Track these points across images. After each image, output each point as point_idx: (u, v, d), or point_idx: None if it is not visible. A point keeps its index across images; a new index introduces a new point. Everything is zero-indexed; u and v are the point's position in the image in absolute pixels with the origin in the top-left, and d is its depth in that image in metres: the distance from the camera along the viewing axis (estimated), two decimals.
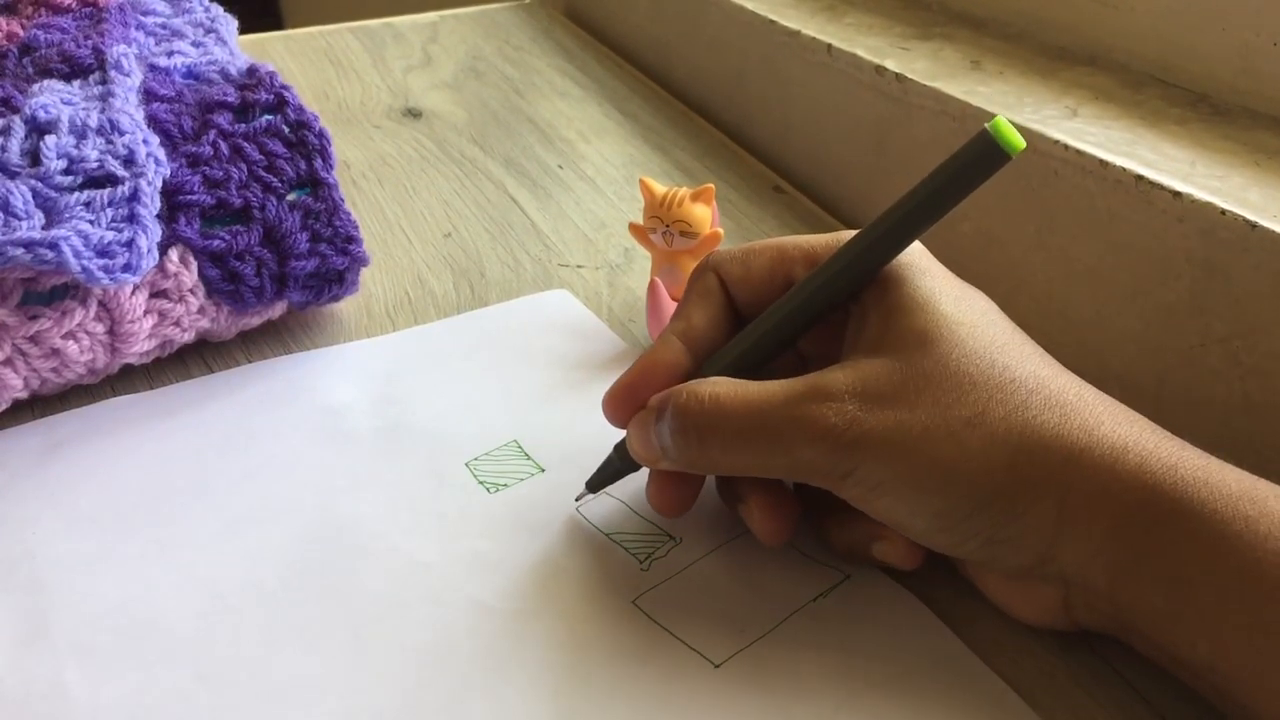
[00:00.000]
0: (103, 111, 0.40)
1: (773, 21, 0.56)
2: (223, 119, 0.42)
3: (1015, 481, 0.28)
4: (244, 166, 0.41)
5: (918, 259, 0.31)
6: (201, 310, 0.40)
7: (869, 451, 0.28)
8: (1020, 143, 0.28)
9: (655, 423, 0.31)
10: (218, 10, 0.52)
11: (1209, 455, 0.28)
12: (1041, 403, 0.28)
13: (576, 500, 0.35)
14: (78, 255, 0.35)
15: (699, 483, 0.34)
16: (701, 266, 0.34)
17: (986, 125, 0.28)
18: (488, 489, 0.36)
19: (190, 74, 0.46)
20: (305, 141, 0.42)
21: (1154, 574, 0.27)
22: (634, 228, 0.43)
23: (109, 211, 0.37)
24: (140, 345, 0.39)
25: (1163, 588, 0.27)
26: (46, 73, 0.43)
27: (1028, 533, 0.28)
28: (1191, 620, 0.27)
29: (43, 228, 0.36)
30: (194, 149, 0.41)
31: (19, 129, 0.39)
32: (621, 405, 0.33)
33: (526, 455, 0.38)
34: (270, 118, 0.43)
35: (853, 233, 0.32)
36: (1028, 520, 0.28)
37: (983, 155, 0.29)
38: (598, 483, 0.35)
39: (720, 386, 0.31)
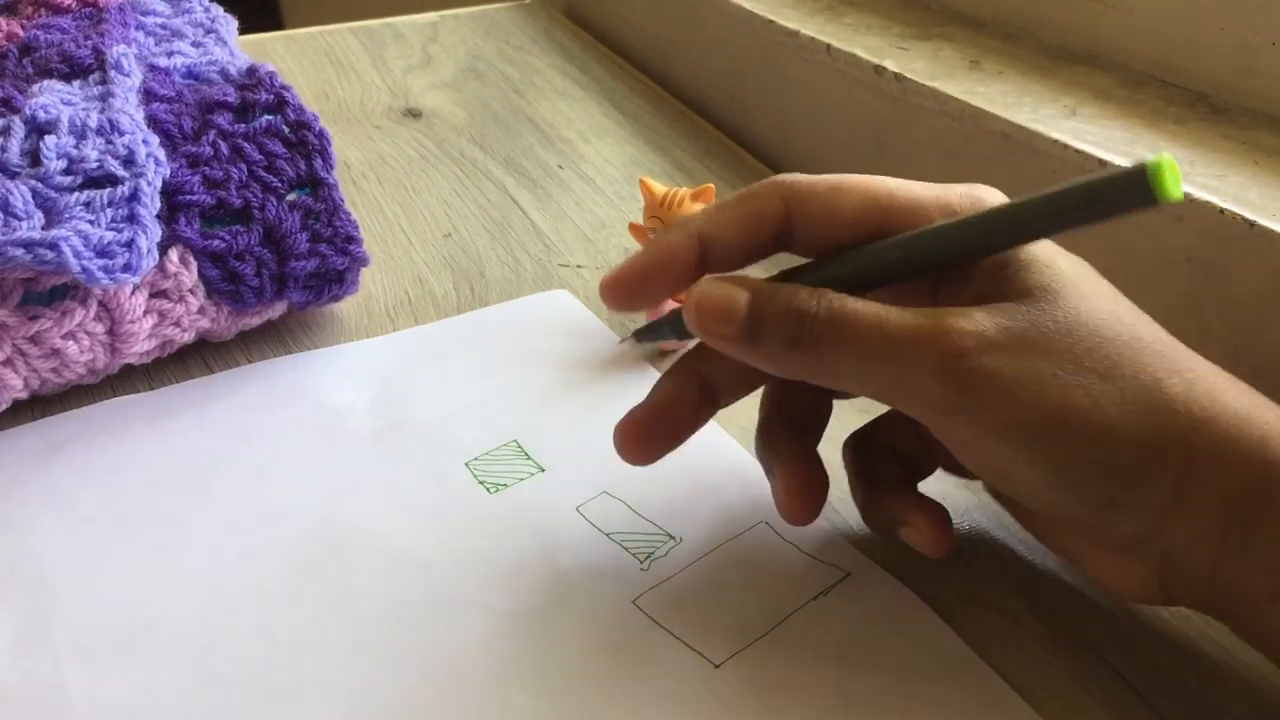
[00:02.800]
0: (103, 111, 0.40)
1: (772, 21, 0.56)
2: (223, 119, 0.42)
3: (1140, 444, 0.26)
4: (244, 166, 0.41)
5: None
6: (201, 310, 0.40)
7: (991, 390, 0.26)
8: (1178, 193, 0.25)
9: (747, 318, 0.29)
10: (218, 10, 0.52)
11: None
12: (1169, 366, 0.27)
13: (620, 342, 0.36)
14: (78, 255, 0.35)
15: (676, 437, 0.32)
16: (769, 188, 0.30)
17: (1147, 160, 0.25)
18: (488, 489, 0.36)
19: (190, 74, 0.46)
20: (305, 141, 0.42)
21: (1259, 554, 0.26)
22: (634, 228, 0.43)
23: (109, 211, 0.37)
24: (140, 345, 0.39)
25: (1266, 569, 0.26)
26: (46, 73, 0.43)
27: (1143, 502, 0.27)
28: None
29: (43, 228, 0.36)
30: (194, 149, 0.41)
31: (19, 129, 0.39)
32: (630, 294, 0.31)
33: (526, 455, 0.38)
34: (270, 118, 0.43)
35: (958, 190, 0.30)
36: (1146, 489, 0.26)
37: (1126, 190, 0.25)
38: (645, 335, 0.37)
39: (840, 297, 0.28)
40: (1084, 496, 0.27)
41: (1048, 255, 0.29)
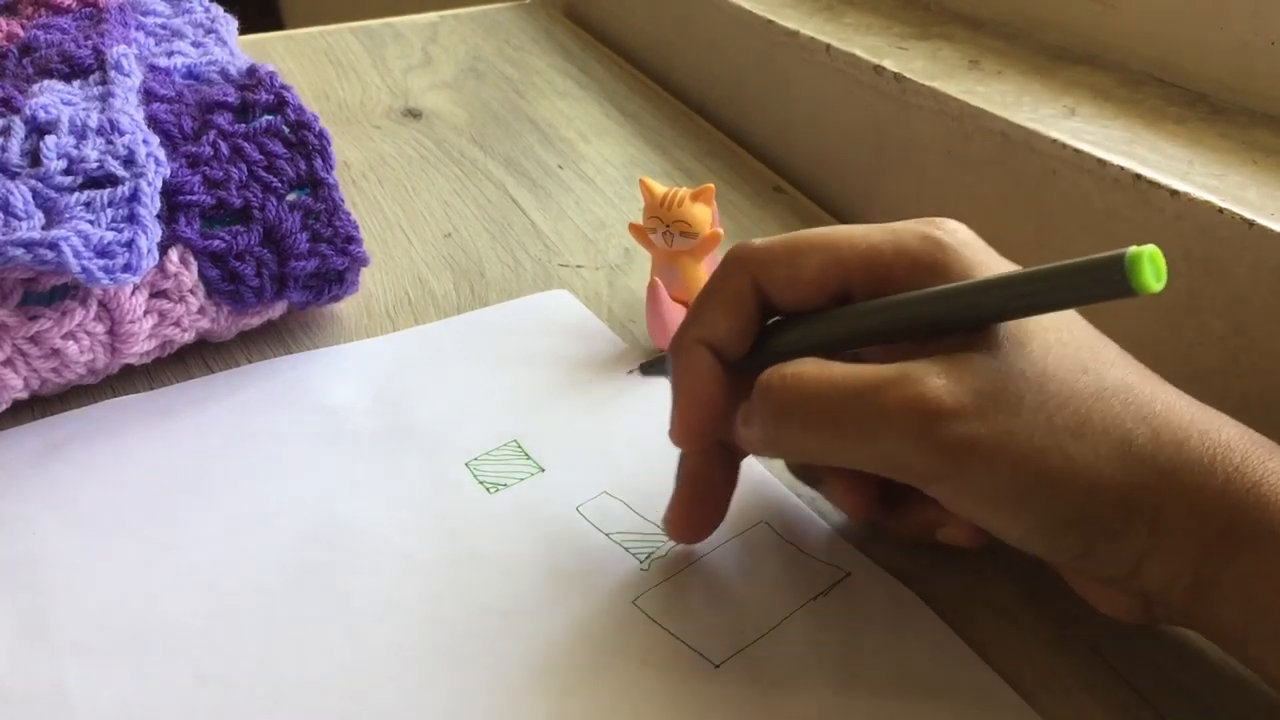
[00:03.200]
0: (103, 112, 0.40)
1: (771, 21, 0.56)
2: (223, 119, 0.42)
3: (1115, 498, 0.27)
4: (244, 167, 0.41)
5: (996, 267, 0.30)
6: (201, 310, 0.40)
7: (972, 459, 0.27)
8: (1155, 285, 0.25)
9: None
10: (218, 10, 0.52)
11: None
12: (1134, 416, 0.27)
13: (628, 373, 0.37)
14: (78, 255, 0.35)
15: (723, 508, 0.33)
16: (732, 266, 0.31)
17: (1127, 251, 0.25)
18: (488, 489, 0.36)
19: (190, 74, 0.46)
20: (305, 142, 0.42)
21: (1229, 596, 0.26)
22: (634, 228, 0.43)
23: (109, 212, 0.37)
24: (140, 345, 0.39)
25: (1237, 609, 0.27)
26: (46, 73, 0.43)
27: (1120, 550, 0.27)
28: (1265, 639, 0.26)
29: (43, 228, 0.36)
30: (194, 149, 0.41)
31: (19, 129, 0.39)
32: (688, 436, 0.32)
33: (526, 455, 0.38)
34: (270, 118, 0.43)
35: (908, 228, 0.30)
36: (1122, 539, 0.27)
37: (1103, 279, 0.25)
38: (651, 369, 0.37)
39: (805, 366, 0.29)
40: (1065, 550, 0.28)
41: (1015, 331, 0.28)
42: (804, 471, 0.34)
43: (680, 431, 0.32)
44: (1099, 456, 0.27)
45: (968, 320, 0.28)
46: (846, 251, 0.30)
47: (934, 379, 0.27)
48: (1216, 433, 0.27)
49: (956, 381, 0.27)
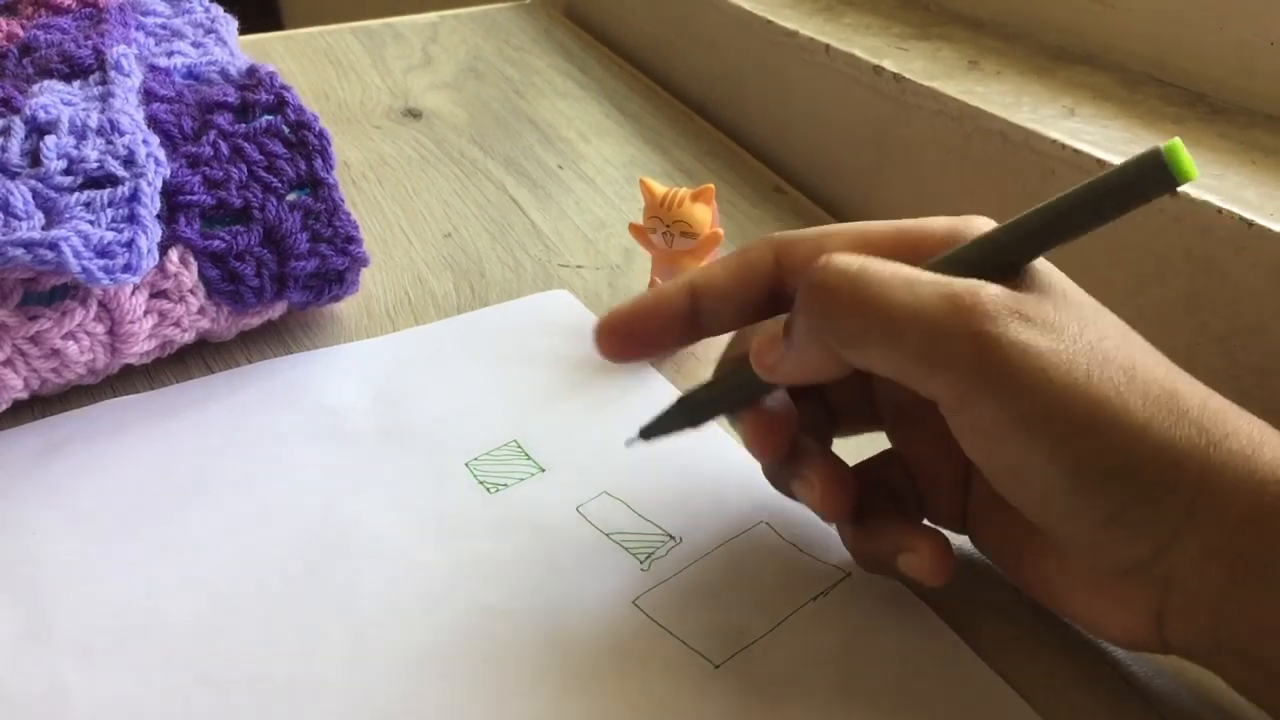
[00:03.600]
0: (103, 112, 0.40)
1: (771, 22, 0.56)
2: (223, 119, 0.42)
3: (1161, 453, 0.25)
4: (244, 167, 0.41)
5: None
6: (201, 310, 0.40)
7: (1024, 369, 0.25)
8: (1195, 172, 0.25)
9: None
10: (218, 10, 0.52)
11: None
12: (1178, 375, 0.27)
13: (627, 445, 0.33)
14: (78, 255, 0.35)
15: (793, 426, 0.31)
16: (759, 240, 0.31)
17: (1161, 146, 0.25)
18: (488, 489, 0.36)
19: (190, 74, 0.46)
20: (305, 142, 0.42)
21: (1272, 584, 0.25)
22: (634, 228, 0.43)
23: (109, 212, 0.37)
24: (140, 345, 0.39)
25: (1278, 600, 0.25)
26: (46, 73, 0.43)
27: (1156, 517, 0.25)
28: None
29: (43, 228, 0.36)
30: (194, 149, 0.41)
31: (19, 129, 0.39)
32: (622, 340, 0.31)
33: (527, 455, 0.38)
34: (270, 118, 0.43)
35: (928, 224, 0.30)
36: (1160, 503, 0.25)
37: (1144, 177, 0.26)
38: (653, 431, 0.33)
39: (865, 258, 0.27)
40: (1092, 506, 0.26)
41: (1048, 273, 0.28)
42: (776, 475, 0.33)
43: (610, 322, 0.31)
44: (1149, 399, 0.25)
45: (1018, 251, 0.28)
46: (873, 234, 0.30)
47: (998, 290, 0.26)
48: (1254, 418, 0.26)
49: (1018, 300, 0.26)
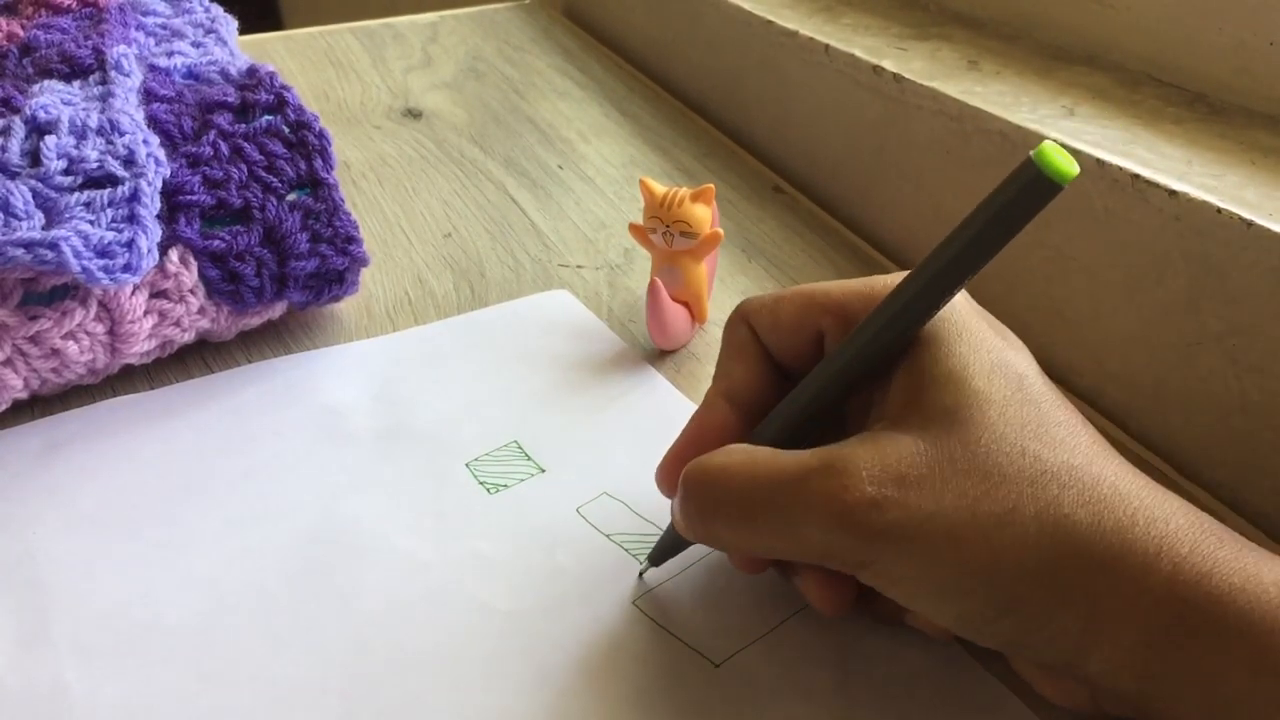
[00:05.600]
0: (103, 112, 0.40)
1: (770, 22, 0.56)
2: (223, 119, 0.42)
3: (1044, 588, 0.26)
4: (244, 167, 0.41)
5: (958, 313, 0.29)
6: (201, 310, 0.40)
7: (891, 545, 0.26)
8: (1072, 169, 0.25)
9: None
10: (218, 10, 0.52)
11: (1246, 547, 0.26)
12: (1075, 499, 0.26)
13: (641, 575, 0.33)
14: (78, 255, 0.35)
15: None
16: (733, 318, 0.33)
17: (1031, 153, 0.25)
18: (488, 489, 0.36)
19: (190, 74, 0.46)
20: (305, 142, 0.42)
21: (1190, 689, 0.25)
22: (634, 228, 0.43)
23: (109, 212, 0.37)
24: (140, 345, 0.39)
25: (1200, 700, 0.25)
26: (46, 73, 0.43)
27: (1054, 639, 0.26)
28: None
29: (43, 228, 0.36)
30: (194, 149, 0.41)
31: (19, 129, 0.39)
32: (671, 476, 0.32)
33: (527, 455, 0.38)
34: (270, 118, 0.43)
35: (886, 279, 0.30)
36: (1055, 627, 0.26)
37: (1027, 188, 0.25)
38: (659, 555, 0.33)
39: (733, 456, 0.29)
40: (997, 637, 0.27)
41: (962, 369, 0.28)
42: (777, 565, 0.32)
43: (664, 463, 0.32)
44: (1026, 545, 0.26)
45: (906, 328, 0.28)
46: (820, 299, 0.31)
47: (855, 465, 0.27)
48: (1164, 521, 0.26)
49: (879, 466, 0.27)
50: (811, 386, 0.30)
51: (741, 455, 0.29)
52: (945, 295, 0.28)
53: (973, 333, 0.29)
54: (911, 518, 0.26)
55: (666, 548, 0.33)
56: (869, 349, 0.29)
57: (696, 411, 0.33)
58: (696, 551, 0.34)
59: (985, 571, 0.26)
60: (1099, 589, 0.26)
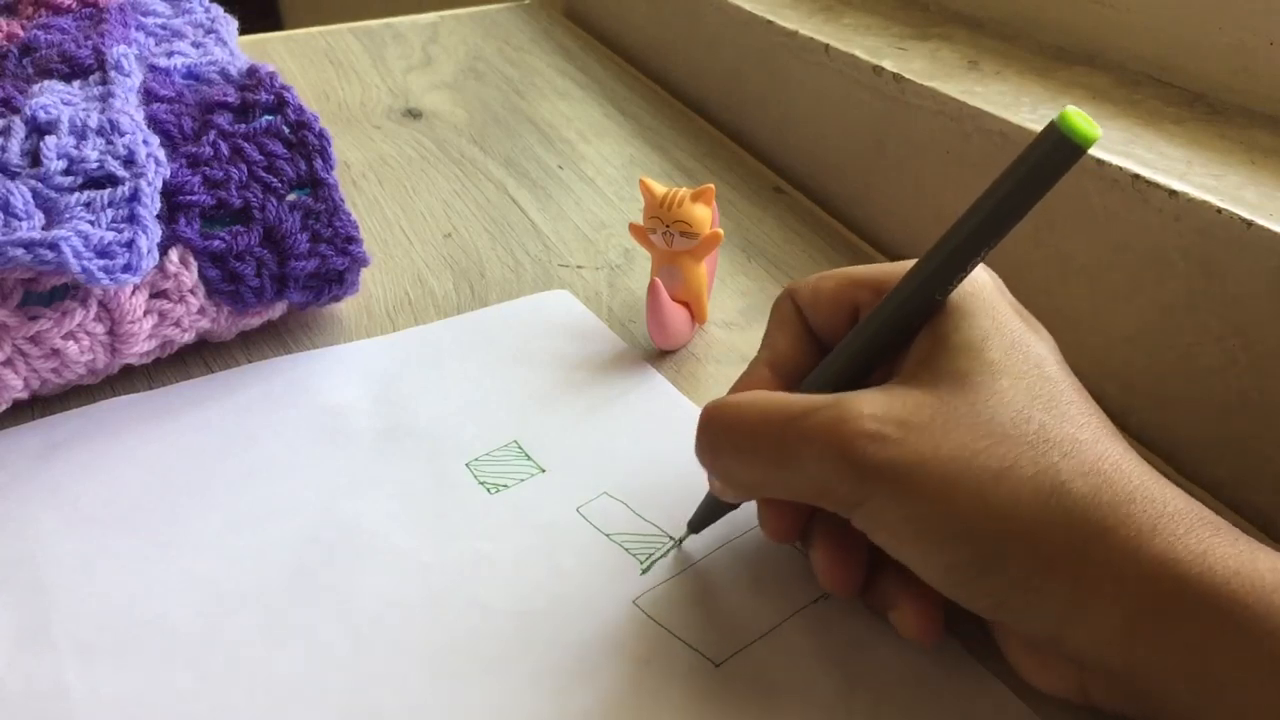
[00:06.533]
0: (103, 112, 0.40)
1: (770, 22, 0.56)
2: (223, 119, 0.42)
3: (1032, 549, 0.26)
4: (244, 167, 0.41)
5: (987, 292, 0.30)
6: (201, 310, 0.40)
7: (885, 484, 0.27)
8: (1095, 133, 0.25)
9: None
10: (218, 11, 0.52)
11: (1242, 537, 0.26)
12: (1074, 468, 0.26)
13: (680, 541, 0.34)
14: (78, 256, 0.35)
15: (802, 513, 0.32)
16: (781, 295, 0.35)
17: (1054, 117, 0.26)
18: (488, 489, 0.36)
19: (190, 74, 0.46)
20: (305, 142, 0.42)
21: (1180, 668, 0.25)
22: (634, 228, 0.43)
23: (109, 212, 0.37)
24: (140, 345, 0.39)
25: (1190, 682, 0.25)
26: (46, 73, 0.43)
27: (1039, 605, 0.26)
28: (1223, 717, 0.25)
29: (43, 228, 0.36)
30: (194, 149, 0.41)
31: (19, 129, 0.39)
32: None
33: (527, 456, 0.38)
34: (270, 118, 0.43)
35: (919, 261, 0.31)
36: (1041, 593, 0.26)
37: (1051, 152, 0.26)
38: (699, 523, 0.34)
39: (749, 396, 0.30)
40: (980, 595, 0.27)
41: (982, 340, 0.29)
42: (801, 540, 0.33)
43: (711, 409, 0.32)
44: (1019, 502, 0.26)
45: (932, 293, 0.29)
46: (857, 276, 0.33)
47: (860, 405, 0.27)
48: (1163, 503, 0.26)
49: (883, 408, 0.27)
50: (843, 352, 0.31)
51: (757, 395, 0.30)
52: (971, 260, 0.28)
53: (998, 312, 0.30)
54: (907, 458, 0.27)
55: (705, 514, 0.34)
56: (899, 312, 0.30)
57: (740, 377, 0.34)
58: (697, 548, 0.34)
59: (976, 523, 0.26)
60: (1089, 558, 0.26)
